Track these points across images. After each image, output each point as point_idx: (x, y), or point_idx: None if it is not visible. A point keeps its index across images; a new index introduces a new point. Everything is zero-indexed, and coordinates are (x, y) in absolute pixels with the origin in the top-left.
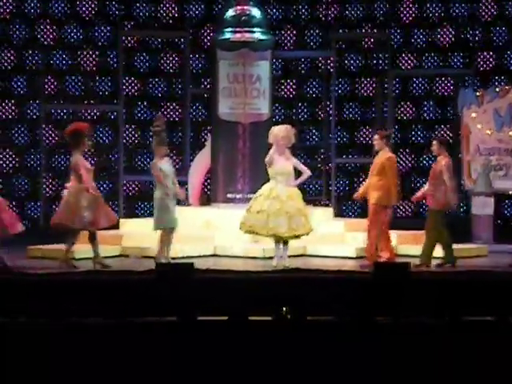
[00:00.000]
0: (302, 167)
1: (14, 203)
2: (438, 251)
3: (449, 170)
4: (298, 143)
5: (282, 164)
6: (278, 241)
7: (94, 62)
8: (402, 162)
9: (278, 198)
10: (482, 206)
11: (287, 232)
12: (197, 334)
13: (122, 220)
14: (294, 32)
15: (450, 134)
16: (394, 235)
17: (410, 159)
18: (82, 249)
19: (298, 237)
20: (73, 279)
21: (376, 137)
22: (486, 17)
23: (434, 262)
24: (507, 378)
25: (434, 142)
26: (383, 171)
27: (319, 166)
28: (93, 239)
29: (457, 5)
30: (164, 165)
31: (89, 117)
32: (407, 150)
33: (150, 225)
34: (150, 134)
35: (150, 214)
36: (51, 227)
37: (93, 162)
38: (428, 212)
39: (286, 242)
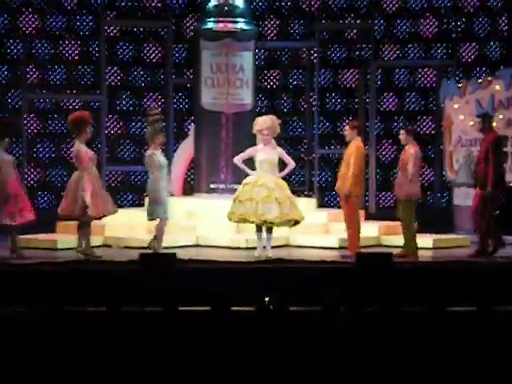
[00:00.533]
0: (287, 158)
1: None
2: (426, 241)
3: (415, 160)
4: (281, 133)
5: (268, 153)
6: (260, 229)
7: (76, 52)
8: (384, 153)
9: (265, 186)
10: (464, 197)
11: (279, 217)
12: (179, 324)
13: None
14: (278, 22)
15: (433, 125)
16: (376, 226)
17: (392, 150)
18: (64, 238)
19: (290, 222)
20: (59, 270)
21: (346, 127)
22: (469, 8)
23: (395, 252)
24: (490, 367)
25: (402, 132)
26: (351, 161)
27: (303, 156)
28: (83, 229)
29: None
30: (160, 156)
31: (70, 107)
32: (390, 141)
33: (133, 215)
34: (145, 123)
35: (133, 205)
36: (60, 218)
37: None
38: (397, 202)
39: (269, 231)
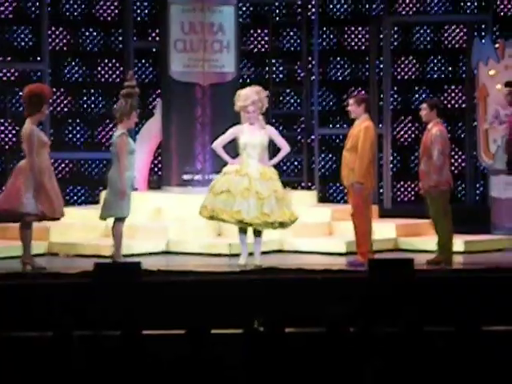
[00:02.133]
0: (279, 140)
1: None
2: (456, 244)
3: (441, 141)
4: (272, 110)
5: (254, 135)
6: (244, 231)
7: (10, 9)
8: (402, 133)
9: (248, 176)
10: (504, 187)
11: (257, 217)
12: (143, 352)
13: None
14: None
15: (463, 97)
16: (392, 225)
17: (412, 129)
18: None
19: (273, 224)
20: None
21: (351, 101)
22: None
23: (426, 258)
24: None
25: (423, 106)
26: (358, 144)
27: (299, 138)
28: (25, 232)
29: None
30: (130, 139)
31: (4, 78)
32: (409, 118)
33: (85, 215)
34: (117, 96)
35: (85, 202)
36: None
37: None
38: (425, 197)
39: (258, 234)
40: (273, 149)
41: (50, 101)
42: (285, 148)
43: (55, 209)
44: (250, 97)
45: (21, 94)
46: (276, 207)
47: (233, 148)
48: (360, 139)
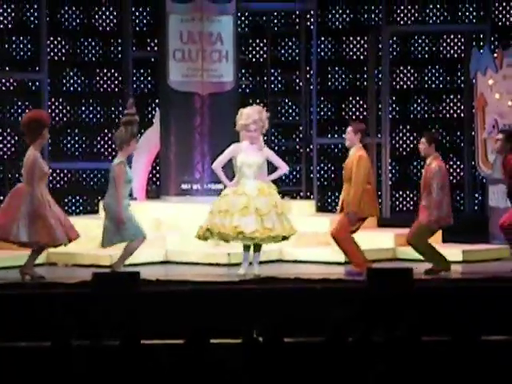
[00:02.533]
0: (277, 161)
1: None
2: (454, 253)
3: (440, 177)
4: (271, 120)
5: (251, 155)
6: (248, 248)
7: (9, 18)
8: (400, 142)
9: (246, 195)
10: (502, 197)
11: (259, 232)
12: (142, 362)
13: None
14: None
15: (461, 107)
16: (391, 234)
17: (411, 138)
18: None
19: (275, 238)
20: None
21: (349, 129)
22: None
23: (424, 268)
24: None
25: (422, 140)
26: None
27: (297, 147)
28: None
29: None
30: (129, 169)
31: (3, 87)
32: (407, 127)
33: (84, 225)
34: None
35: (84, 211)
36: None
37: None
38: (415, 224)
39: (257, 249)
40: (271, 167)
41: (49, 110)
42: (283, 168)
43: (56, 236)
44: (251, 116)
45: (21, 121)
46: (277, 221)
47: (231, 166)
48: (353, 170)
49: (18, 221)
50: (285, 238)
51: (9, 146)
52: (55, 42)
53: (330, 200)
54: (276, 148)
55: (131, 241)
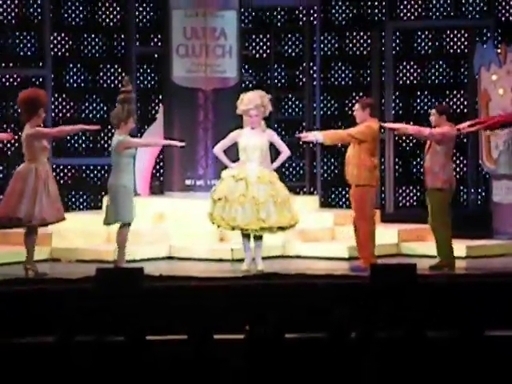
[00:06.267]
0: (279, 143)
1: None
2: (458, 248)
3: (447, 140)
4: (274, 115)
5: (253, 138)
6: (247, 236)
7: (13, 14)
8: (404, 138)
9: (245, 180)
10: (506, 192)
11: (253, 223)
12: (146, 358)
13: None
14: None
15: (465, 102)
16: (394, 229)
17: None
18: (3, 250)
19: (271, 229)
20: None
21: (356, 106)
22: None
23: (428, 263)
24: None
25: (433, 111)
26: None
27: (301, 143)
28: (30, 238)
29: None
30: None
31: (7, 83)
32: (411, 123)
33: (87, 220)
34: (115, 102)
35: (87, 207)
36: None
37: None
38: (427, 195)
39: (258, 238)
40: (275, 154)
41: (52, 106)
42: (285, 151)
43: (57, 212)
44: (252, 101)
45: (18, 98)
46: (274, 212)
47: (235, 152)
48: (364, 137)
49: (21, 199)
50: (281, 229)
51: (12, 141)
52: (59, 38)
53: (333, 195)
54: None
55: (120, 226)
